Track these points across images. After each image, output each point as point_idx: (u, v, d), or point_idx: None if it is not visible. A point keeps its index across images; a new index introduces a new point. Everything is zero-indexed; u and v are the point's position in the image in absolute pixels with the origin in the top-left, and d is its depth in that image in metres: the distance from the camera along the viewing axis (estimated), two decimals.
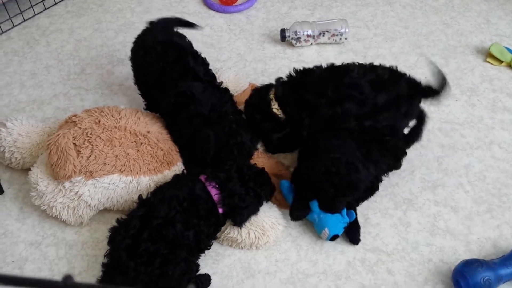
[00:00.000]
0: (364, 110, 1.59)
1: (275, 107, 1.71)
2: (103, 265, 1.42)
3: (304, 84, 1.66)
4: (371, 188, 1.65)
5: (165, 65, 1.70)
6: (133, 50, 1.83)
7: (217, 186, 1.49)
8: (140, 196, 1.49)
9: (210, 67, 1.84)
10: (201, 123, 1.62)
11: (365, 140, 1.63)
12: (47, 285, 0.67)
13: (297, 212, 1.61)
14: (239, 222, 1.53)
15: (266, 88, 1.76)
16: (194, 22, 2.02)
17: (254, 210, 1.56)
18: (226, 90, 1.75)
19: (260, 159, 1.74)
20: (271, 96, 1.71)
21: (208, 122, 1.62)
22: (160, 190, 1.49)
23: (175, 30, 1.86)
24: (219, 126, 1.60)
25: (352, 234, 1.62)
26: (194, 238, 1.43)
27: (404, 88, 1.63)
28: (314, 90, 1.62)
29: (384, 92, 1.60)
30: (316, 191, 1.55)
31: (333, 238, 1.59)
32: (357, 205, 1.66)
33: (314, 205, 1.59)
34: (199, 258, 1.51)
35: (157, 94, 1.75)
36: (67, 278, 0.66)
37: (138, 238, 1.37)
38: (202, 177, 1.52)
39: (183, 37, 1.83)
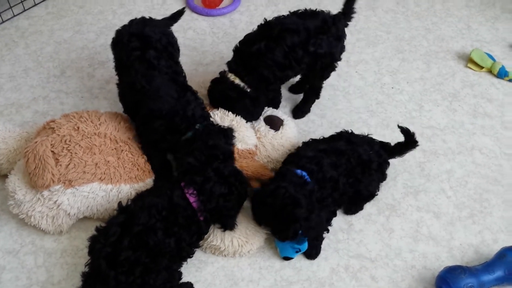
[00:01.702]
0: (302, 36, 1.73)
1: (232, 79, 1.76)
2: (83, 274, 1.39)
3: (246, 45, 1.77)
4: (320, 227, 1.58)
5: (123, 54, 1.67)
6: (114, 41, 1.80)
7: (195, 192, 1.46)
8: (120, 203, 1.46)
9: (195, 70, 1.83)
10: (166, 129, 1.58)
11: (352, 168, 1.60)
12: None
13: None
14: (230, 225, 1.51)
15: (220, 73, 1.83)
16: (177, 25, 1.99)
17: (239, 208, 1.55)
18: (190, 89, 1.69)
19: (244, 160, 1.72)
20: (227, 74, 1.78)
21: (173, 128, 1.58)
22: (140, 197, 1.47)
23: (160, 25, 1.82)
24: (197, 147, 1.55)
25: (308, 251, 1.59)
26: (175, 245, 1.41)
27: (326, 14, 1.81)
28: (255, 42, 1.74)
29: (310, 19, 1.77)
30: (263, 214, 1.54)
31: (286, 258, 1.59)
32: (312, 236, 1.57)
33: None
34: (182, 266, 1.49)
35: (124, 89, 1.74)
36: None
37: (119, 246, 1.34)
38: (182, 184, 1.49)
39: (161, 32, 1.75)
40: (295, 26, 1.73)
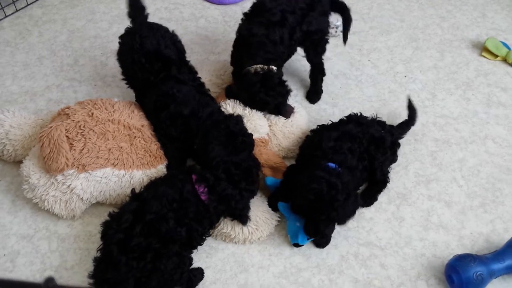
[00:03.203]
0: (297, 17, 1.81)
1: (254, 68, 1.74)
2: (95, 259, 1.41)
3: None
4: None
5: (149, 74, 1.67)
6: (120, 52, 1.77)
7: (206, 190, 1.47)
8: (133, 190, 1.48)
9: (207, 58, 1.82)
10: (184, 126, 1.62)
11: (366, 147, 1.65)
12: (30, 286, 0.66)
13: (274, 202, 1.63)
14: (243, 221, 1.55)
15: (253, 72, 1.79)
16: (188, 13, 1.99)
17: (249, 207, 1.57)
18: (209, 95, 1.73)
19: (257, 149, 1.72)
20: (263, 68, 1.75)
21: (190, 128, 1.62)
22: (153, 185, 1.48)
23: (162, 30, 1.79)
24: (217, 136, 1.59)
25: (317, 239, 1.60)
26: (186, 234, 1.42)
27: None
28: (264, 27, 1.77)
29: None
30: (299, 207, 1.54)
31: (296, 245, 1.59)
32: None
33: (280, 207, 1.61)
34: (192, 252, 1.50)
35: (141, 94, 1.77)
36: (49, 280, 0.65)
37: (130, 233, 1.36)
38: (194, 177, 1.49)
39: (172, 43, 1.76)
40: (292, 8, 1.79)
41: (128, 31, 1.75)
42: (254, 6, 1.83)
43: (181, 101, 1.62)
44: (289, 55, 1.92)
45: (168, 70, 1.67)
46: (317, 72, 2.01)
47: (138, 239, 1.35)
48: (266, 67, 1.74)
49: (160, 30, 1.75)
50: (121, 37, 1.75)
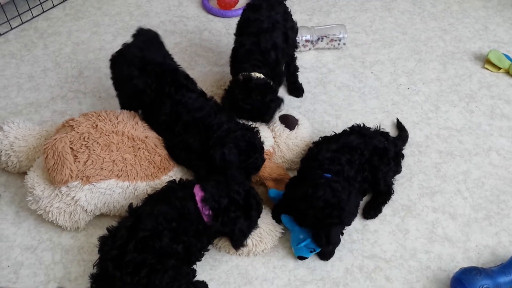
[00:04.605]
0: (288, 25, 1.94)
1: (257, 75, 1.76)
2: (91, 276, 1.41)
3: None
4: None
5: (164, 85, 1.67)
6: (127, 63, 1.72)
7: (211, 213, 1.45)
8: (130, 205, 1.47)
9: (210, 70, 1.83)
10: (199, 132, 1.62)
11: (368, 158, 1.67)
12: None
13: (277, 214, 1.63)
14: (239, 244, 1.54)
15: (234, 80, 1.83)
16: (193, 26, 2.02)
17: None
18: (216, 101, 1.74)
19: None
20: (244, 74, 1.77)
21: (206, 134, 1.61)
22: (150, 201, 1.47)
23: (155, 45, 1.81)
24: (230, 140, 1.59)
25: (322, 252, 1.59)
26: (184, 250, 1.41)
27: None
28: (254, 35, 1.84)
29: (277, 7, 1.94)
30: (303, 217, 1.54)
31: (301, 257, 1.59)
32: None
33: (284, 219, 1.61)
34: (192, 266, 1.49)
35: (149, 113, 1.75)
36: None
37: (125, 249, 1.36)
38: (197, 192, 1.46)
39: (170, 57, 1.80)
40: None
41: (132, 45, 1.74)
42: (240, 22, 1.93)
43: (194, 108, 1.63)
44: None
45: (178, 80, 1.68)
46: (291, 66, 2.08)
47: (132, 255, 1.34)
48: (254, 74, 1.76)
49: (162, 46, 1.78)
50: (122, 52, 1.74)
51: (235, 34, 1.94)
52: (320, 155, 1.64)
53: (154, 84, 1.67)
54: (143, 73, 1.68)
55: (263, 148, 1.65)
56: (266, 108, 1.78)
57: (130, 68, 1.70)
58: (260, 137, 1.65)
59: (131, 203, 1.48)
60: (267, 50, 1.82)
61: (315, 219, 1.49)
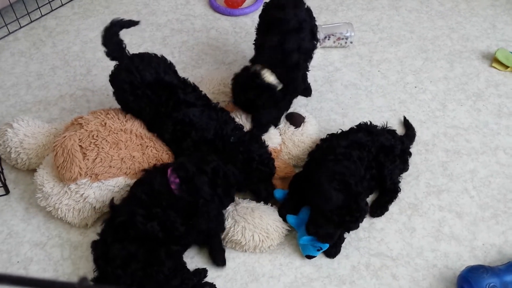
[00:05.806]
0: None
1: (267, 74, 1.72)
2: (92, 279, 1.42)
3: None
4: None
5: (158, 106, 1.64)
6: (120, 92, 1.69)
7: (178, 180, 1.42)
8: (111, 201, 1.49)
9: (217, 69, 1.82)
10: (209, 149, 1.61)
11: (375, 156, 1.67)
12: (63, 286, 0.67)
13: (283, 213, 1.64)
14: (221, 262, 1.56)
15: (246, 68, 1.78)
16: (200, 24, 2.01)
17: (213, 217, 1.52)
18: (222, 109, 1.72)
19: None
20: (257, 68, 1.73)
21: (216, 150, 1.61)
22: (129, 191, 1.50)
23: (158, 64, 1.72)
24: (232, 157, 1.58)
25: (328, 250, 1.60)
26: (160, 227, 1.38)
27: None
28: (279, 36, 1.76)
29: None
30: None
31: (308, 256, 1.59)
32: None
33: (289, 219, 1.62)
34: (185, 250, 1.51)
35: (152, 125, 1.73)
36: (83, 280, 0.66)
37: (106, 243, 1.39)
38: (169, 169, 1.46)
39: (167, 70, 1.71)
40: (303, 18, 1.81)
41: (121, 68, 1.67)
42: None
43: (201, 126, 1.62)
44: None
45: (176, 96, 1.64)
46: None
47: (114, 247, 1.36)
48: (265, 72, 1.73)
49: (152, 59, 1.69)
50: (114, 77, 1.69)
51: (257, 33, 1.89)
52: (336, 148, 1.64)
53: (148, 107, 1.64)
54: (136, 97, 1.64)
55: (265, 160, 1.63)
56: (255, 109, 1.76)
57: (124, 95, 1.66)
58: (266, 148, 1.65)
59: (112, 198, 1.50)
60: (291, 51, 1.75)
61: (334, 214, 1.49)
